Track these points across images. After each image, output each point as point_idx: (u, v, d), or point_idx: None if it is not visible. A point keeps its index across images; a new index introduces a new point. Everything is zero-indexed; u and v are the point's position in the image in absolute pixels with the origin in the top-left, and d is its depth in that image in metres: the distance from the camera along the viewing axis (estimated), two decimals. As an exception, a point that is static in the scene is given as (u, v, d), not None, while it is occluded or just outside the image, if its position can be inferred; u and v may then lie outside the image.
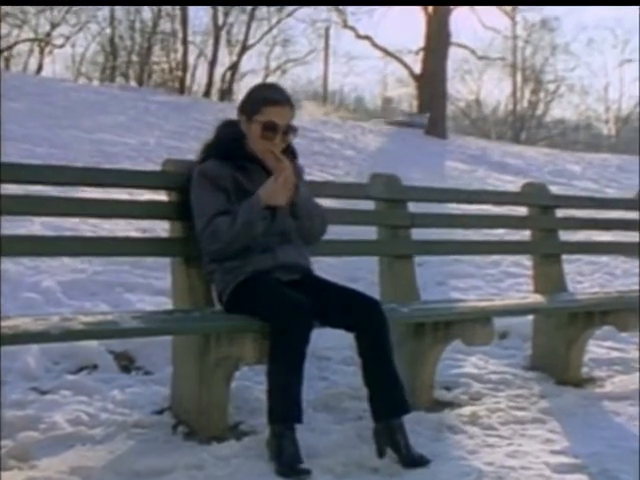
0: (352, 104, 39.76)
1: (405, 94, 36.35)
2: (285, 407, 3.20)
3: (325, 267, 5.20)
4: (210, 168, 3.49)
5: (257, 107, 3.51)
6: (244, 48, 29.66)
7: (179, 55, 29.30)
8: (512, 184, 12.71)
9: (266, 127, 3.48)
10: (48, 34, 29.82)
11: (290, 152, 3.59)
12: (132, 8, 29.26)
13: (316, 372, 4.42)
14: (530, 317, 5.02)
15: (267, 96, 3.53)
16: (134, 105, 15.12)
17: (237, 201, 3.44)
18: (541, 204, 5.22)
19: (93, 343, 4.15)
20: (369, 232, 4.54)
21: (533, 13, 42.42)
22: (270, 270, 3.45)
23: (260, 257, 3.45)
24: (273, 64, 34.06)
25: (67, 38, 30.44)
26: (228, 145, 3.55)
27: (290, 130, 3.54)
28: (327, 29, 33.01)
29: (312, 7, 29.76)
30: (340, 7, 28.46)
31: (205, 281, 3.62)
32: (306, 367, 3.22)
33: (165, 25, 29.83)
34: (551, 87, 39.72)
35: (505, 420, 3.96)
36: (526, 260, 6.59)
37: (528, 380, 4.68)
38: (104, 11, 29.42)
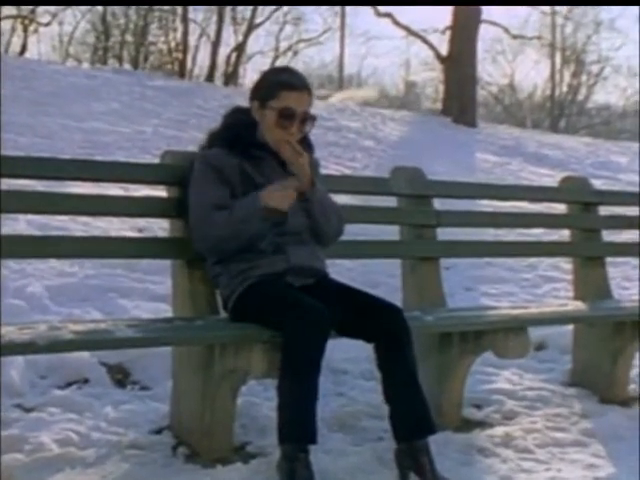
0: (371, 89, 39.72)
1: (430, 78, 36.28)
2: (297, 426, 3.20)
3: (342, 271, 5.22)
4: (215, 156, 3.51)
5: (272, 92, 3.52)
6: (251, 27, 29.64)
7: (179, 35, 29.31)
8: (550, 178, 12.69)
9: (282, 114, 3.50)
10: (32, 10, 29.90)
11: (306, 144, 3.61)
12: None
13: (332, 387, 4.43)
14: (570, 327, 5.01)
15: (284, 80, 3.56)
16: (129, 90, 15.16)
17: (243, 194, 3.45)
18: (582, 200, 5.21)
19: (84, 354, 4.18)
20: (390, 232, 4.55)
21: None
22: (281, 274, 3.46)
23: (270, 259, 3.46)
24: (283, 44, 34.06)
25: (54, 15, 30.49)
26: (237, 132, 3.57)
27: (308, 118, 3.56)
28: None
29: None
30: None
31: (209, 286, 3.63)
32: (321, 382, 3.23)
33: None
34: (594, 69, 39.50)
35: (542, 442, 3.96)
36: (565, 263, 6.58)
37: (568, 397, 4.67)
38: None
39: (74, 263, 5.44)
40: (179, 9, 28.76)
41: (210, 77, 27.21)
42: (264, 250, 3.45)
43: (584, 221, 5.21)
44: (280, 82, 3.54)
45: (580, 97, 39.67)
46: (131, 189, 5.20)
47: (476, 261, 6.74)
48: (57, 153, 8.15)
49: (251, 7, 28.79)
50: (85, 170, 3.74)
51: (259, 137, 3.57)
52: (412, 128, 17.89)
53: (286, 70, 3.79)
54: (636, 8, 29.48)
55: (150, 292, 5.23)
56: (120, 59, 29.98)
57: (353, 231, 3.91)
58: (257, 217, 3.38)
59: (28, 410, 3.79)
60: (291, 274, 3.48)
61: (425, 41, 25.85)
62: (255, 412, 3.95)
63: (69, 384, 4.08)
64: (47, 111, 11.49)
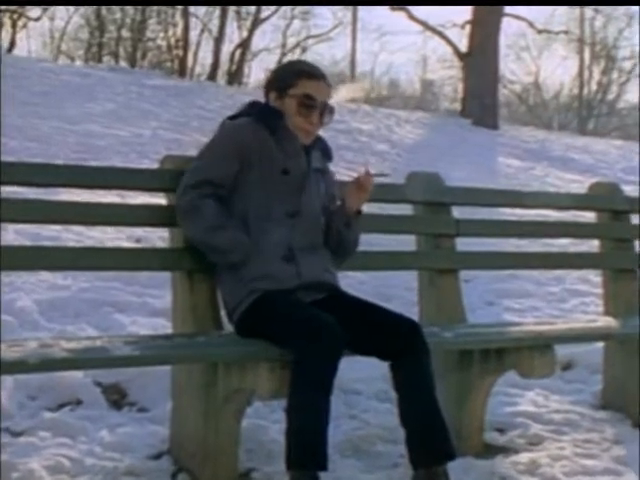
0: (385, 88, 39.81)
1: (448, 76, 36.32)
2: (307, 451, 3.20)
3: (354, 284, 5.23)
4: (240, 126, 3.60)
5: (292, 80, 3.65)
6: (256, 22, 29.72)
7: (179, 30, 29.39)
8: (577, 184, 12.69)
9: (303, 101, 3.62)
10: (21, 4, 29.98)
11: (324, 153, 3.77)
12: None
13: (344, 409, 4.43)
14: (600, 345, 5.00)
15: (303, 68, 3.73)
16: (125, 90, 15.21)
17: (257, 169, 3.53)
18: (613, 208, 5.21)
19: (77, 374, 4.18)
20: (406, 242, 4.55)
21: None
22: (292, 290, 3.48)
23: (280, 270, 3.48)
24: (291, 41, 34.16)
25: (44, 9, 30.62)
26: (266, 106, 3.68)
27: (327, 110, 3.66)
28: (355, -2, 33.08)
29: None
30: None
31: (212, 299, 3.64)
32: (332, 403, 3.23)
33: (162, -6, 29.97)
34: (626, 65, 39.52)
35: (571, 470, 3.95)
36: (595, 276, 6.57)
37: (598, 421, 4.66)
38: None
39: (67, 276, 5.45)
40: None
41: (212, 76, 27.27)
42: (273, 255, 3.47)
43: (614, 230, 5.20)
44: (300, 70, 3.70)
45: (611, 96, 39.66)
46: (128, 196, 5.22)
47: (498, 273, 6.73)
48: (49, 158, 8.20)
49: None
50: (79, 176, 3.75)
51: (286, 121, 3.65)
52: (429, 130, 17.90)
53: (302, 61, 4.04)
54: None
55: (148, 306, 5.24)
56: (116, 56, 30.04)
57: (366, 241, 3.91)
58: (238, 258, 3.46)
59: (17, 434, 3.79)
60: (301, 290, 3.50)
61: (443, 36, 25.87)
62: (261, 436, 3.95)
63: (61, 406, 4.09)
64: (38, 112, 11.54)
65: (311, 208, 3.61)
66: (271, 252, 3.48)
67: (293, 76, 3.66)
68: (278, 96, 3.66)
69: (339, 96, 22.24)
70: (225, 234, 3.47)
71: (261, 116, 3.62)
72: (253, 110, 3.67)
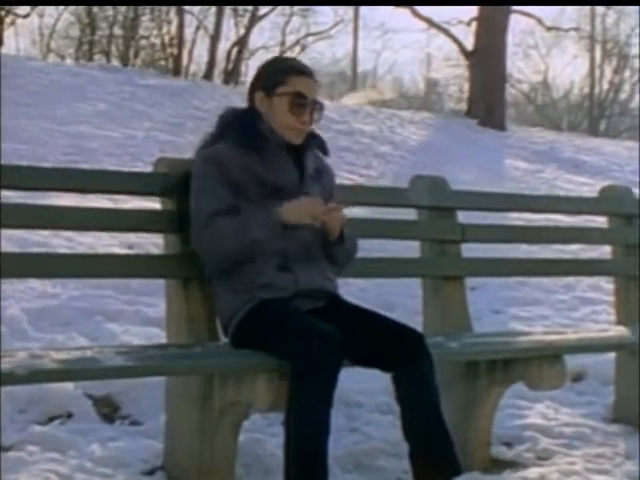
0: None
1: (454, 75, 36.34)
2: (306, 466, 3.20)
3: (354, 291, 5.22)
4: (218, 153, 3.56)
5: (281, 78, 3.62)
6: (254, 19, 29.74)
7: (173, 28, 29.40)
8: (588, 187, 12.68)
9: (294, 99, 3.60)
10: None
11: (319, 146, 3.72)
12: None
13: (345, 422, 4.43)
14: (612, 355, 5.00)
15: (292, 65, 3.73)
16: (118, 90, 15.22)
17: (250, 192, 3.50)
18: (625, 213, 5.21)
19: (67, 386, 4.18)
20: (410, 248, 4.55)
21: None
22: (289, 298, 3.48)
23: (277, 276, 3.48)
24: (290, 38, 34.18)
25: (33, 6, 30.62)
26: (240, 125, 3.63)
27: (316, 107, 3.65)
28: (357, -6, 33.10)
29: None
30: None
31: (207, 308, 3.65)
32: (332, 416, 3.23)
33: (156, -10, 29.99)
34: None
35: (582, 485, 3.95)
36: (606, 283, 6.57)
37: (610, 435, 4.66)
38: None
39: (56, 283, 5.45)
40: (174, -1, 28.83)
41: (208, 75, 27.28)
42: (267, 262, 3.47)
43: (627, 236, 5.20)
44: (288, 67, 3.68)
45: (623, 95, 39.66)
46: (121, 201, 5.23)
47: (505, 281, 6.73)
48: (38, 160, 8.21)
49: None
50: (69, 179, 3.75)
51: (265, 129, 3.62)
52: (434, 131, 17.92)
53: (289, 58, 3.93)
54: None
55: (142, 315, 5.24)
56: (108, 55, 30.05)
57: (367, 247, 3.92)
58: (274, 236, 3.42)
59: (5, 449, 3.79)
60: (299, 297, 3.49)
61: (448, 34, 25.89)
62: (259, 450, 3.95)
63: (51, 419, 4.09)
64: (27, 113, 11.55)
65: (304, 227, 3.54)
66: (267, 263, 3.48)
67: (282, 74, 3.63)
68: (266, 95, 3.63)
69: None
70: (252, 229, 3.41)
71: (238, 140, 3.57)
72: (228, 132, 3.61)
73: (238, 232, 3.41)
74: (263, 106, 3.64)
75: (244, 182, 3.52)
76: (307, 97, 3.61)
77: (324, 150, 3.77)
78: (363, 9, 34.89)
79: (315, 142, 3.73)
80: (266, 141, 3.60)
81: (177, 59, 28.70)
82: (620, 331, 4.78)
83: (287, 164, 3.61)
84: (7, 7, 29.43)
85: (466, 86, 25.33)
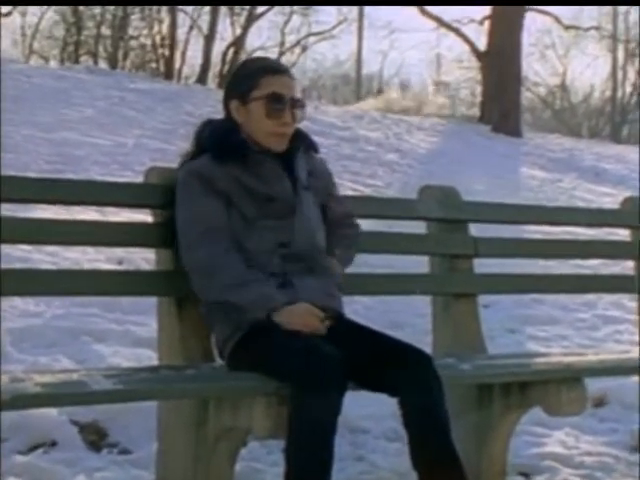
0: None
1: (465, 78, 36.41)
2: (308, 497, 3.21)
3: (359, 309, 5.24)
4: (200, 165, 3.56)
5: (253, 81, 3.60)
6: (251, 18, 29.83)
7: (165, 27, 29.50)
8: (610, 198, 12.70)
9: (271, 101, 3.58)
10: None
11: (307, 144, 3.71)
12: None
13: (349, 450, 4.43)
14: (636, 378, 5.00)
15: (263, 64, 3.71)
16: (105, 94, 15.26)
17: (241, 204, 3.51)
18: (649, 225, 5.21)
19: (51, 412, 4.18)
20: (418, 263, 4.56)
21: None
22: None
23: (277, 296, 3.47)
24: (290, 39, 34.25)
25: (15, 4, 30.70)
26: (222, 137, 3.62)
27: (297, 104, 3.64)
28: (361, -8, 33.20)
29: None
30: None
31: (202, 328, 3.64)
32: (336, 443, 3.23)
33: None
34: (665, 65, 39.60)
35: (604, 519, 3.96)
36: (629, 301, 6.57)
37: (635, 465, 4.65)
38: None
39: (40, 301, 5.46)
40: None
41: (202, 78, 27.34)
42: (269, 281, 3.47)
43: (651, 250, 5.21)
44: (259, 68, 3.65)
45: (647, 100, 39.67)
46: (109, 213, 5.23)
47: (521, 298, 6.74)
48: (20, 170, 8.21)
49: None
50: (54, 190, 3.74)
51: (247, 138, 3.61)
52: (444, 138, 17.94)
53: (259, 57, 4.03)
54: None
55: (131, 335, 5.24)
56: (95, 56, 30.11)
57: (373, 263, 3.93)
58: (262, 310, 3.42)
59: (-16, 480, 3.80)
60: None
61: (459, 33, 25.97)
62: (257, 479, 3.96)
63: (33, 448, 4.08)
64: (9, 119, 11.55)
65: (305, 233, 3.57)
66: (267, 282, 3.48)
67: (254, 76, 3.61)
68: (241, 103, 3.61)
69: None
70: (251, 291, 3.42)
71: (217, 152, 3.57)
72: (206, 146, 3.61)
73: (238, 283, 3.42)
74: (240, 115, 3.63)
75: (232, 192, 3.52)
76: (284, 96, 3.59)
77: (314, 148, 3.76)
78: (368, 8, 35.02)
79: (303, 143, 3.71)
80: (248, 151, 3.59)
81: (169, 61, 28.76)
82: (644, 352, 4.79)
83: (276, 173, 3.59)
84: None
85: (478, 89, 25.42)
